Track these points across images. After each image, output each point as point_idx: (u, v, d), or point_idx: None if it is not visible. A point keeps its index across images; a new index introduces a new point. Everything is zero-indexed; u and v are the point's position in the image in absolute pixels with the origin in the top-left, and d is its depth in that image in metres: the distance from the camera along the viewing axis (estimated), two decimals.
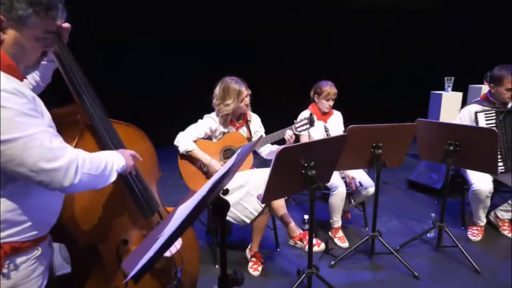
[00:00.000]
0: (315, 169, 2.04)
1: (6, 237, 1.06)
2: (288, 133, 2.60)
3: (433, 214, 3.11)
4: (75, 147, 1.36)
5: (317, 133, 3.08)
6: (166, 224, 1.11)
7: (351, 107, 5.27)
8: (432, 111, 5.17)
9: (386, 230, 3.20)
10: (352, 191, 2.96)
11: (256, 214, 2.49)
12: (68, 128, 1.42)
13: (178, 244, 1.64)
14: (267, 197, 2.03)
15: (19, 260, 1.10)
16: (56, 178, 1.04)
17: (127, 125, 1.62)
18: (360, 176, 2.99)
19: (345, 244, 2.95)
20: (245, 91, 2.62)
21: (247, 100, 2.65)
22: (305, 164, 2.02)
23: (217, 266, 2.68)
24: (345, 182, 2.94)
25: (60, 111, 1.46)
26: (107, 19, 4.87)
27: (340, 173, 2.99)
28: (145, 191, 1.52)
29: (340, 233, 3.01)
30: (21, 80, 1.10)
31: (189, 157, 2.54)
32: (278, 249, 2.91)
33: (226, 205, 1.17)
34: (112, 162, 1.26)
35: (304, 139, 3.08)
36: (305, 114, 2.99)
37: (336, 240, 2.99)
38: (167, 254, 1.59)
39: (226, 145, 2.63)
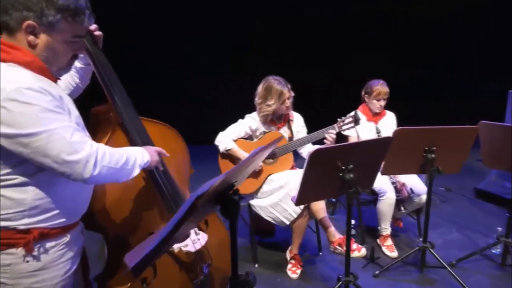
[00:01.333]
0: (353, 173, 1.94)
1: (36, 223, 1.17)
2: (330, 133, 2.49)
3: (499, 228, 2.77)
4: (107, 142, 1.46)
5: (368, 134, 2.93)
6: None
7: (413, 108, 4.91)
8: (510, 113, 4.60)
9: (443, 242, 2.94)
10: (403, 198, 2.76)
11: (295, 216, 2.45)
12: (102, 124, 1.53)
13: (203, 240, 1.68)
14: (301, 200, 1.98)
15: (48, 244, 1.21)
16: (77, 170, 1.12)
17: (159, 124, 1.69)
18: (413, 182, 2.77)
19: (394, 254, 2.76)
20: (287, 93, 2.57)
21: (288, 102, 2.59)
22: (343, 167, 1.93)
23: (256, 265, 2.68)
24: (396, 187, 2.75)
25: (97, 109, 1.58)
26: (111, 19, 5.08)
27: (391, 177, 2.80)
28: (171, 187, 1.58)
29: (389, 242, 2.83)
30: (54, 81, 1.20)
31: (229, 157, 2.57)
32: (320, 253, 2.82)
33: (236, 206, 1.16)
34: (135, 157, 1.32)
35: (352, 140, 2.95)
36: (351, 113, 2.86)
37: (384, 248, 2.81)
38: (191, 249, 1.63)
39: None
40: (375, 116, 2.99)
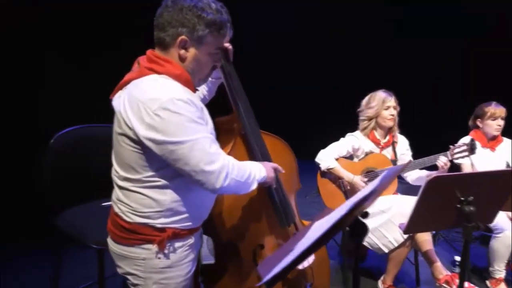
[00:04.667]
0: (474, 205, 1.76)
1: (170, 223, 1.25)
2: (442, 160, 2.32)
3: None
4: (229, 152, 1.53)
5: (485, 163, 2.65)
6: (302, 237, 1.12)
7: None
8: None
9: None
10: None
11: (396, 244, 2.29)
12: (225, 135, 1.61)
13: (311, 259, 1.65)
14: (411, 228, 1.83)
15: (177, 244, 1.28)
16: (210, 180, 1.18)
17: (274, 137, 1.73)
18: None
19: None
20: (392, 101, 2.51)
21: (393, 111, 2.50)
22: (462, 198, 1.77)
23: None
24: None
25: (221, 119, 1.66)
26: None
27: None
28: (284, 202, 1.59)
29: (503, 286, 2.50)
30: (194, 92, 1.29)
31: (329, 175, 2.52)
32: None
33: (364, 229, 1.12)
34: (254, 172, 1.36)
35: (466, 169, 2.70)
36: (465, 139, 2.62)
37: None
38: (300, 267, 1.61)
39: (369, 166, 2.50)
40: (491, 141, 2.71)
